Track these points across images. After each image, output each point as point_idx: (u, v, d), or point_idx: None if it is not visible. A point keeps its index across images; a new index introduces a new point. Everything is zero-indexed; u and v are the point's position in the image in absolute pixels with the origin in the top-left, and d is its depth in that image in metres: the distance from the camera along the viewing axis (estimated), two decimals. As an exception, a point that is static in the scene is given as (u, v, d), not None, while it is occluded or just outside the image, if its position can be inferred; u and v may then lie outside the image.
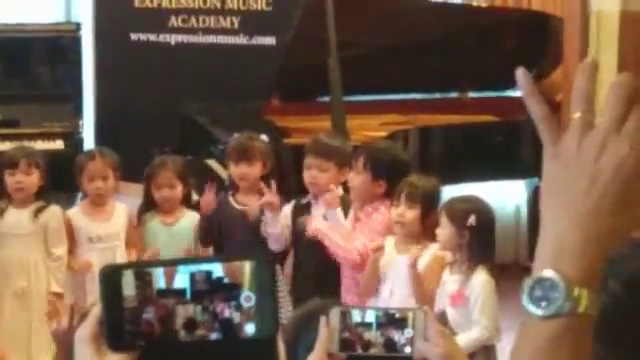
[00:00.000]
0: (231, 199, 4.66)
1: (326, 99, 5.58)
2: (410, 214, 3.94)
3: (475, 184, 5.96)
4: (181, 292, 1.02)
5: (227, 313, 1.01)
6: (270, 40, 7.03)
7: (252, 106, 6.15)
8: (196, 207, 4.78)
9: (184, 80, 6.81)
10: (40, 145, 5.92)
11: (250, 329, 1.02)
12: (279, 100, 6.31)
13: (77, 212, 4.65)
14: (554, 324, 0.96)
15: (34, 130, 6.26)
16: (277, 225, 4.44)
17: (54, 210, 4.59)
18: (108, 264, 1.06)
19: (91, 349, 1.03)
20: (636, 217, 0.99)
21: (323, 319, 1.59)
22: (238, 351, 1.04)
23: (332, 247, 4.18)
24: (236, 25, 7.12)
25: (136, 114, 6.82)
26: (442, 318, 3.67)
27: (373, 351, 1.59)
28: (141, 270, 1.03)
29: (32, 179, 4.51)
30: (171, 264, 1.03)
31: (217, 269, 1.02)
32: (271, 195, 4.39)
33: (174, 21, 7.10)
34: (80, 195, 4.80)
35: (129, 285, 1.02)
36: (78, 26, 6.82)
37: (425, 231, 3.98)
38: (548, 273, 0.96)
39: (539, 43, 6.40)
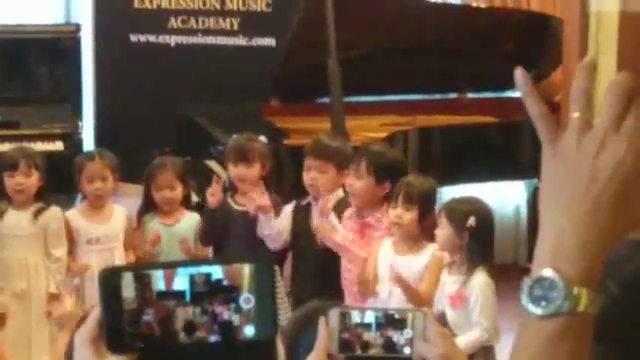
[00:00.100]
0: (230, 200, 4.66)
1: (326, 100, 5.58)
2: (408, 215, 3.93)
3: (474, 185, 5.96)
4: (181, 294, 1.02)
5: (226, 315, 1.02)
6: (270, 41, 7.03)
7: (252, 107, 6.15)
8: (196, 208, 4.78)
9: (184, 81, 6.81)
10: (40, 146, 5.92)
11: (249, 331, 1.02)
12: (279, 101, 6.31)
13: (75, 214, 4.65)
14: (554, 323, 0.96)
15: (34, 131, 6.26)
16: (271, 226, 4.43)
17: (54, 211, 4.59)
18: (107, 266, 1.07)
19: (90, 351, 1.03)
20: (635, 216, 0.99)
21: (322, 320, 1.58)
22: (237, 353, 1.04)
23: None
24: (236, 26, 7.12)
25: (135, 115, 6.82)
26: (441, 319, 3.67)
27: (372, 352, 1.59)
28: (140, 272, 1.03)
29: (32, 180, 4.51)
30: (170, 266, 1.03)
31: (216, 271, 1.02)
32: (262, 198, 4.38)
33: (174, 22, 7.10)
34: (79, 196, 4.79)
35: (128, 287, 1.02)
36: (78, 27, 6.82)
37: (423, 232, 3.98)
38: (547, 272, 0.97)
39: (538, 44, 6.41)
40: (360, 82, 5.91)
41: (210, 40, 7.11)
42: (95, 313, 1.04)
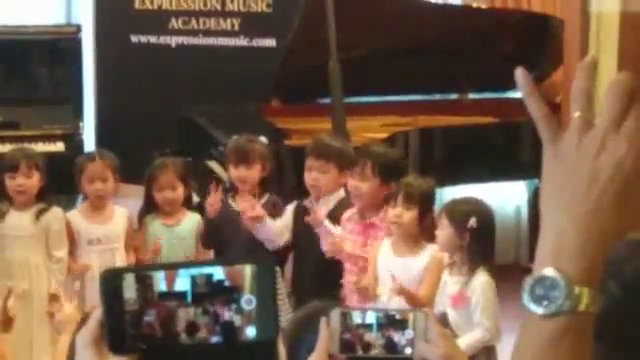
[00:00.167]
0: (231, 201, 4.66)
1: (326, 100, 5.58)
2: (408, 215, 3.93)
3: (475, 185, 5.96)
4: (182, 295, 1.02)
5: (228, 316, 1.02)
6: (270, 42, 7.03)
7: (252, 107, 6.15)
8: (197, 209, 4.78)
9: (184, 82, 6.81)
10: (40, 147, 5.92)
11: (251, 332, 1.02)
12: (279, 102, 6.31)
13: (76, 214, 4.65)
14: (555, 322, 0.96)
15: (34, 132, 6.25)
16: (266, 231, 4.43)
17: (56, 212, 4.59)
18: (109, 268, 1.07)
19: (92, 352, 1.03)
20: (636, 216, 0.99)
21: (323, 320, 1.59)
22: (239, 354, 1.04)
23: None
24: (236, 27, 7.12)
25: (136, 116, 6.82)
26: (443, 320, 3.67)
27: (374, 352, 1.59)
28: (142, 273, 1.03)
29: (33, 181, 4.51)
30: (172, 267, 1.03)
31: (218, 272, 1.02)
32: (255, 210, 4.38)
33: (174, 23, 7.10)
34: (80, 197, 4.80)
35: (130, 288, 1.02)
36: (78, 28, 6.82)
37: (422, 232, 3.98)
38: (549, 272, 0.97)
39: (539, 44, 6.40)
40: (361, 82, 5.91)
41: (211, 41, 7.11)
42: (96, 314, 1.04)
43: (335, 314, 1.59)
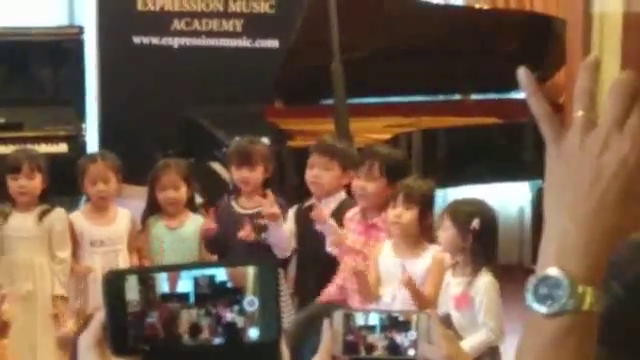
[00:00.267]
0: (233, 203, 4.66)
1: (329, 101, 5.58)
2: (408, 215, 3.93)
3: (478, 186, 5.96)
4: (185, 296, 1.02)
5: (230, 317, 1.02)
6: (273, 43, 7.04)
7: (255, 109, 6.15)
8: (200, 210, 4.78)
9: (187, 83, 6.81)
10: (43, 148, 5.91)
11: (253, 334, 1.02)
12: (282, 103, 6.31)
13: (79, 216, 4.65)
14: (559, 322, 0.96)
15: (37, 133, 6.26)
16: (280, 234, 4.42)
17: (59, 213, 4.59)
18: (111, 269, 1.07)
19: (95, 354, 1.03)
20: (639, 215, 0.99)
21: (326, 322, 1.58)
22: (241, 355, 1.04)
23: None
24: (239, 28, 7.13)
25: (139, 117, 6.83)
26: (447, 321, 3.67)
27: (377, 354, 1.59)
28: (144, 275, 1.03)
29: (35, 183, 4.51)
30: (174, 269, 1.03)
31: (220, 273, 1.02)
32: (270, 207, 4.38)
33: (177, 24, 7.10)
34: (84, 198, 4.79)
35: (133, 290, 1.02)
36: (81, 29, 6.82)
37: (422, 232, 3.98)
38: (552, 271, 0.97)
39: (541, 45, 6.40)
40: (364, 83, 5.91)
41: (213, 42, 7.11)
42: (99, 316, 1.04)
43: (338, 316, 1.59)
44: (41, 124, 6.33)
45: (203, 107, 6.25)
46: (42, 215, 4.53)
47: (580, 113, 1.00)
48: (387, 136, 5.67)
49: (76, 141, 6.34)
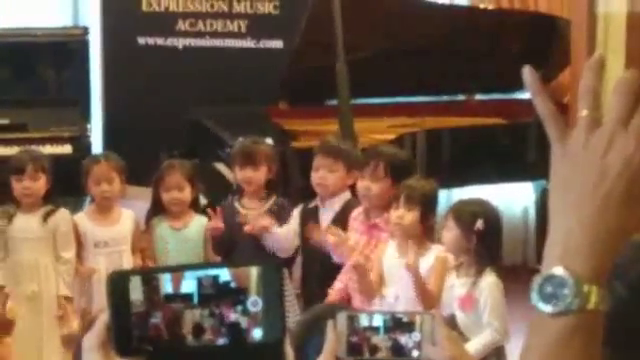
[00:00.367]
0: (237, 204, 4.66)
1: (334, 102, 5.58)
2: (409, 215, 3.92)
3: (483, 186, 5.96)
4: (188, 297, 1.02)
5: (234, 318, 1.01)
6: (277, 43, 7.03)
7: (260, 109, 6.15)
8: (204, 211, 4.78)
9: (191, 84, 6.81)
10: (48, 149, 5.91)
11: (257, 334, 1.02)
12: (287, 103, 6.31)
13: (83, 217, 4.65)
14: (564, 321, 0.96)
15: (42, 134, 6.25)
16: (276, 239, 4.44)
17: (63, 214, 4.59)
18: (115, 270, 1.07)
19: (99, 355, 1.03)
20: None
21: (330, 323, 1.58)
22: (245, 356, 1.04)
23: None
24: (243, 29, 7.12)
25: (144, 118, 6.82)
26: (451, 322, 3.66)
27: (381, 355, 1.58)
28: (148, 275, 1.03)
29: (39, 184, 4.51)
30: (178, 269, 1.03)
31: (224, 274, 1.02)
32: (263, 220, 4.40)
33: (181, 25, 7.10)
34: (88, 199, 4.80)
35: (136, 290, 1.02)
36: (86, 30, 6.82)
37: (425, 233, 3.97)
38: (557, 270, 0.97)
39: (546, 45, 6.39)
40: (368, 84, 5.91)
41: (218, 42, 7.10)
42: (103, 317, 1.04)
43: (342, 317, 1.59)
44: (45, 125, 6.32)
45: (207, 108, 6.25)
46: (46, 216, 4.53)
47: (585, 112, 1.00)
48: (391, 136, 5.67)
49: (81, 142, 6.33)
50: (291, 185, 5.01)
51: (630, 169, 0.97)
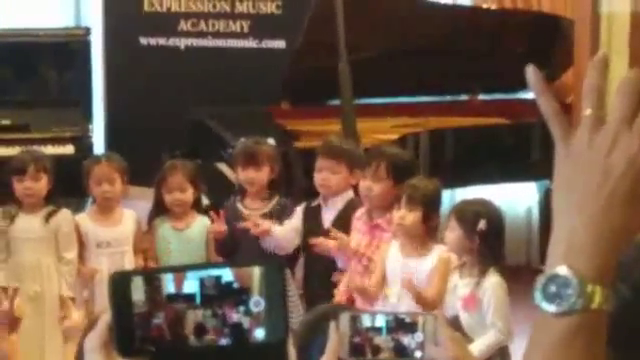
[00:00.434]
0: (239, 204, 4.66)
1: (336, 102, 5.57)
2: (411, 216, 3.92)
3: (486, 186, 5.96)
4: (191, 297, 1.02)
5: (236, 318, 1.01)
6: (280, 43, 7.03)
7: (262, 110, 6.15)
8: (207, 212, 4.78)
9: (194, 84, 6.81)
10: (50, 150, 5.91)
11: (260, 334, 1.01)
12: (289, 103, 6.31)
13: (85, 217, 4.65)
14: (567, 321, 0.96)
15: (44, 135, 6.26)
16: (274, 241, 4.46)
17: (65, 214, 4.59)
18: (117, 270, 1.06)
19: (101, 355, 1.03)
20: None
21: (333, 324, 1.58)
22: (248, 356, 1.03)
23: None
24: (246, 29, 7.12)
25: (146, 118, 6.82)
26: (455, 323, 3.66)
27: (383, 356, 1.58)
28: (150, 275, 1.03)
29: (41, 184, 4.52)
30: (180, 269, 1.03)
31: (227, 274, 1.02)
32: (262, 225, 4.41)
33: (183, 25, 7.10)
34: (90, 200, 4.80)
35: (138, 290, 1.02)
36: (88, 30, 6.82)
37: (427, 233, 3.97)
38: (561, 270, 0.96)
39: (549, 45, 6.39)
40: (371, 84, 5.91)
41: (220, 43, 7.11)
42: (105, 317, 1.04)
43: (344, 317, 1.59)
44: (47, 125, 6.33)
45: (209, 108, 6.25)
46: (48, 216, 4.54)
47: (588, 111, 1.00)
48: (394, 136, 5.66)
49: (83, 142, 6.34)
50: (294, 185, 5.01)
51: (634, 168, 0.96)
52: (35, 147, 5.47)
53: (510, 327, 3.78)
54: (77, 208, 4.89)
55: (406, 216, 3.92)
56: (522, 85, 6.20)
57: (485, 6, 7.02)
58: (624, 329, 1.14)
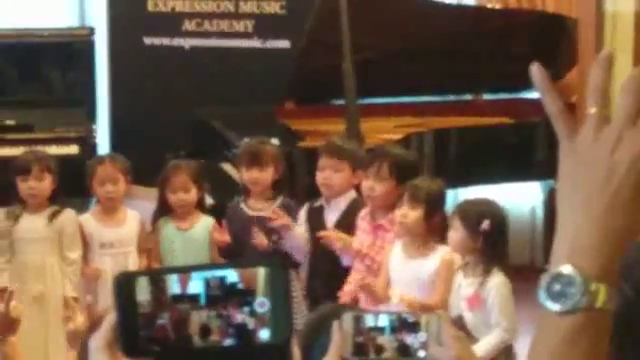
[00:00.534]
0: (242, 205, 4.66)
1: (340, 102, 5.57)
2: (413, 214, 3.91)
3: (490, 186, 5.95)
4: (195, 298, 1.02)
5: (241, 319, 1.01)
6: (284, 43, 7.03)
7: (266, 109, 6.15)
8: (211, 211, 4.78)
9: (198, 84, 6.82)
10: (54, 150, 5.91)
11: (264, 335, 1.01)
12: (293, 103, 6.31)
13: (88, 218, 4.65)
14: (572, 319, 0.96)
15: (48, 135, 6.27)
16: (296, 241, 4.44)
17: (69, 214, 4.60)
18: (122, 271, 1.07)
19: (105, 356, 1.03)
20: None
21: (336, 324, 1.58)
22: (252, 357, 1.03)
23: None
24: (250, 28, 7.12)
25: (150, 118, 6.83)
26: (459, 323, 3.65)
27: (386, 355, 1.58)
28: (155, 276, 1.03)
29: (45, 184, 4.52)
30: (185, 270, 1.03)
31: (231, 275, 1.02)
32: (282, 219, 4.39)
33: (188, 25, 7.10)
34: (94, 200, 4.80)
35: (143, 291, 1.02)
36: (92, 30, 6.83)
37: (431, 232, 3.96)
38: (565, 269, 0.96)
39: (554, 45, 6.38)
40: (375, 84, 5.91)
41: (224, 42, 7.11)
42: (110, 318, 1.04)
43: (347, 317, 1.59)
44: (52, 125, 6.33)
45: (213, 107, 6.25)
46: (52, 216, 4.54)
47: (593, 110, 0.99)
48: (398, 136, 5.66)
49: (87, 142, 6.35)
50: (298, 185, 5.01)
51: (638, 166, 0.96)
52: (39, 147, 5.47)
53: (515, 326, 3.77)
54: (81, 208, 4.89)
55: (408, 214, 3.92)
56: (526, 85, 6.19)
57: (489, 6, 7.02)
58: (627, 329, 1.14)
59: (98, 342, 1.04)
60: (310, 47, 5.89)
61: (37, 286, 4.49)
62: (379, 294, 3.97)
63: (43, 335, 4.49)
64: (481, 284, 3.77)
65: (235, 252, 4.58)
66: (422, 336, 1.57)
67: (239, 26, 7.13)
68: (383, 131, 5.92)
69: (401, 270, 3.95)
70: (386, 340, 1.58)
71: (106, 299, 4.28)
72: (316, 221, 4.47)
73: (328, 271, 4.43)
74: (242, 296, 1.01)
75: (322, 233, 4.28)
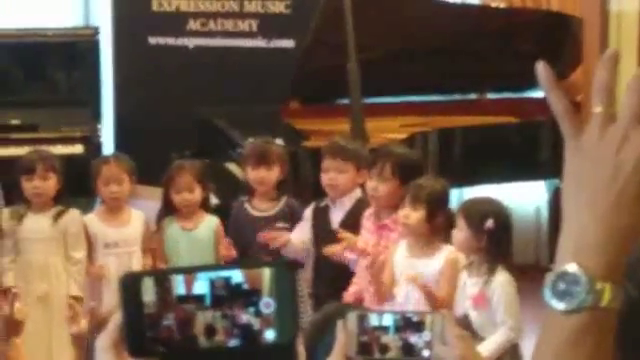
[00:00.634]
0: (247, 205, 4.66)
1: (345, 101, 5.57)
2: (415, 214, 3.91)
3: (495, 185, 5.95)
4: (201, 298, 1.02)
5: (246, 319, 1.01)
6: (289, 43, 7.03)
7: (271, 109, 6.15)
8: (215, 211, 4.78)
9: (203, 83, 6.82)
10: (59, 150, 5.92)
11: (270, 335, 1.01)
12: (298, 103, 6.31)
13: (93, 218, 4.66)
14: (577, 318, 0.96)
15: (53, 135, 6.27)
16: (294, 250, 4.45)
17: (74, 214, 4.60)
18: (128, 272, 1.07)
19: (111, 356, 1.03)
20: None
21: (340, 323, 1.58)
22: (258, 357, 1.03)
23: None
24: (254, 28, 7.13)
25: (155, 118, 6.84)
26: (464, 322, 3.65)
27: (391, 355, 1.58)
28: (160, 276, 1.03)
29: (49, 184, 4.52)
30: (190, 271, 1.03)
31: (237, 275, 1.02)
32: (281, 238, 4.41)
33: (192, 24, 7.11)
34: (99, 200, 4.81)
35: (149, 291, 1.02)
36: (96, 30, 6.84)
37: (434, 232, 3.96)
38: (571, 267, 0.96)
39: (558, 44, 6.38)
40: (379, 83, 5.90)
41: (229, 42, 7.11)
42: (115, 318, 1.04)
43: (352, 316, 1.59)
44: (56, 125, 6.34)
45: (218, 107, 6.26)
46: (57, 216, 4.54)
47: (599, 109, 0.99)
48: (403, 136, 5.66)
49: (92, 142, 6.36)
50: (303, 185, 5.01)
51: (643, 165, 0.96)
52: (44, 147, 5.47)
53: (520, 324, 3.77)
54: (86, 208, 4.90)
55: (410, 215, 3.92)
56: (531, 84, 6.20)
57: (494, 5, 7.01)
58: (631, 329, 1.14)
59: (104, 342, 1.04)
60: (315, 46, 5.89)
61: (41, 286, 4.50)
62: (386, 289, 3.97)
63: (47, 335, 4.49)
64: (486, 283, 3.78)
65: (240, 252, 4.58)
66: (426, 335, 1.57)
67: (244, 26, 7.13)
68: (388, 130, 5.92)
69: (406, 270, 3.95)
70: (390, 339, 1.58)
71: (110, 299, 4.29)
72: (322, 220, 4.47)
73: (332, 271, 4.43)
74: (247, 296, 1.01)
75: (327, 252, 4.27)
